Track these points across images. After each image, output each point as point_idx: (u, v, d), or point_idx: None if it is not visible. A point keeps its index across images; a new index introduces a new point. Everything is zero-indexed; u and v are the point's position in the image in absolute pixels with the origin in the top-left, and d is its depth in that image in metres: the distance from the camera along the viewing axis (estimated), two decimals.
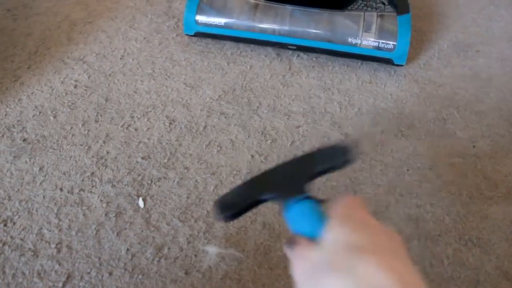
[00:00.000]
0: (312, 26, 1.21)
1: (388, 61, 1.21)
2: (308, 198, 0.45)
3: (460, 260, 0.89)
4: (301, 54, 1.29)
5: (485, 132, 1.15)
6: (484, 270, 0.89)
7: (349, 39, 1.19)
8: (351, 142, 0.72)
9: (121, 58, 1.26)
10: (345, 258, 0.34)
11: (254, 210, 0.58)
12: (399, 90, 1.22)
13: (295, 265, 0.38)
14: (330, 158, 0.51)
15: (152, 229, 0.88)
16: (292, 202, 0.44)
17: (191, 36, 1.29)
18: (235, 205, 0.49)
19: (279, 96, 1.15)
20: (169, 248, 0.86)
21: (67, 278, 0.82)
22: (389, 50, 1.19)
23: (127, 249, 0.85)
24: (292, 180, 0.49)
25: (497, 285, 0.87)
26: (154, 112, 1.10)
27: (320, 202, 0.44)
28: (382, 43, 1.18)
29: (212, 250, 0.84)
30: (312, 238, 0.39)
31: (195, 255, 0.85)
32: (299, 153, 1.02)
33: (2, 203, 0.92)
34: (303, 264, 0.37)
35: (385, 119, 1.13)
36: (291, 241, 0.40)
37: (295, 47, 1.25)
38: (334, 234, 0.37)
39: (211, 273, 0.83)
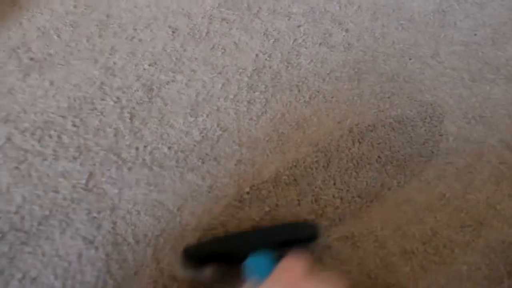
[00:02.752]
0: None
1: None
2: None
3: (465, 136, 0.93)
4: None
5: (486, 21, 1.16)
6: (488, 143, 0.92)
7: None
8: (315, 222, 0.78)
9: None
10: None
11: None
12: None
13: None
14: (297, 232, 0.63)
15: (166, 126, 0.91)
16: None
17: None
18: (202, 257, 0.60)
19: (278, 0, 1.16)
20: (184, 142, 0.89)
21: (89, 176, 0.85)
22: None
23: (144, 146, 0.89)
24: (260, 247, 0.57)
25: (500, 155, 0.90)
26: (156, 23, 1.11)
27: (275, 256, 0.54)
28: None
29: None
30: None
31: (211, 146, 0.88)
32: (303, 50, 1.03)
33: (19, 116, 0.94)
34: None
35: (384, 15, 1.14)
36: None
37: None
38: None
39: (226, 159, 0.86)
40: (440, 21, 1.14)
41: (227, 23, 1.10)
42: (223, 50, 1.04)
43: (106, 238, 0.78)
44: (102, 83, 0.99)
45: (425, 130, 0.93)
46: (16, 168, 0.86)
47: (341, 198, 0.83)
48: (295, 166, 0.86)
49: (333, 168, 0.87)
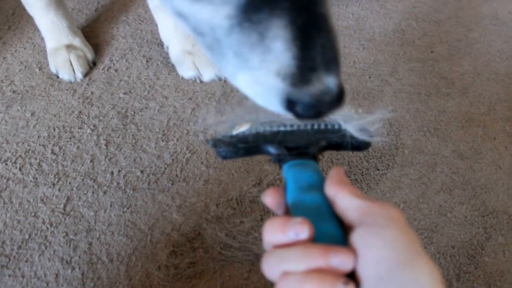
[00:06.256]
0: None
1: None
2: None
3: (420, 148, 0.99)
4: None
5: (443, 38, 1.22)
6: (441, 155, 0.98)
7: None
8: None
9: (95, 11, 1.33)
10: None
11: None
12: (360, 9, 1.29)
13: None
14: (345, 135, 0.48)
15: (139, 151, 0.97)
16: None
17: None
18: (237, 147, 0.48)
19: None
20: (155, 165, 0.95)
21: (67, 200, 0.91)
22: None
23: (119, 171, 0.95)
24: (305, 146, 0.48)
25: (453, 165, 0.96)
26: (132, 53, 1.18)
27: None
28: None
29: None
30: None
31: (180, 168, 0.95)
32: None
33: (1, 146, 1.01)
34: None
35: (347, 36, 1.21)
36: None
37: None
38: None
39: (194, 180, 0.92)
40: (399, 39, 1.21)
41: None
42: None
43: (82, 258, 0.84)
44: (80, 112, 1.06)
45: (382, 144, 0.99)
46: None
47: None
48: (258, 184, 0.92)
49: None
